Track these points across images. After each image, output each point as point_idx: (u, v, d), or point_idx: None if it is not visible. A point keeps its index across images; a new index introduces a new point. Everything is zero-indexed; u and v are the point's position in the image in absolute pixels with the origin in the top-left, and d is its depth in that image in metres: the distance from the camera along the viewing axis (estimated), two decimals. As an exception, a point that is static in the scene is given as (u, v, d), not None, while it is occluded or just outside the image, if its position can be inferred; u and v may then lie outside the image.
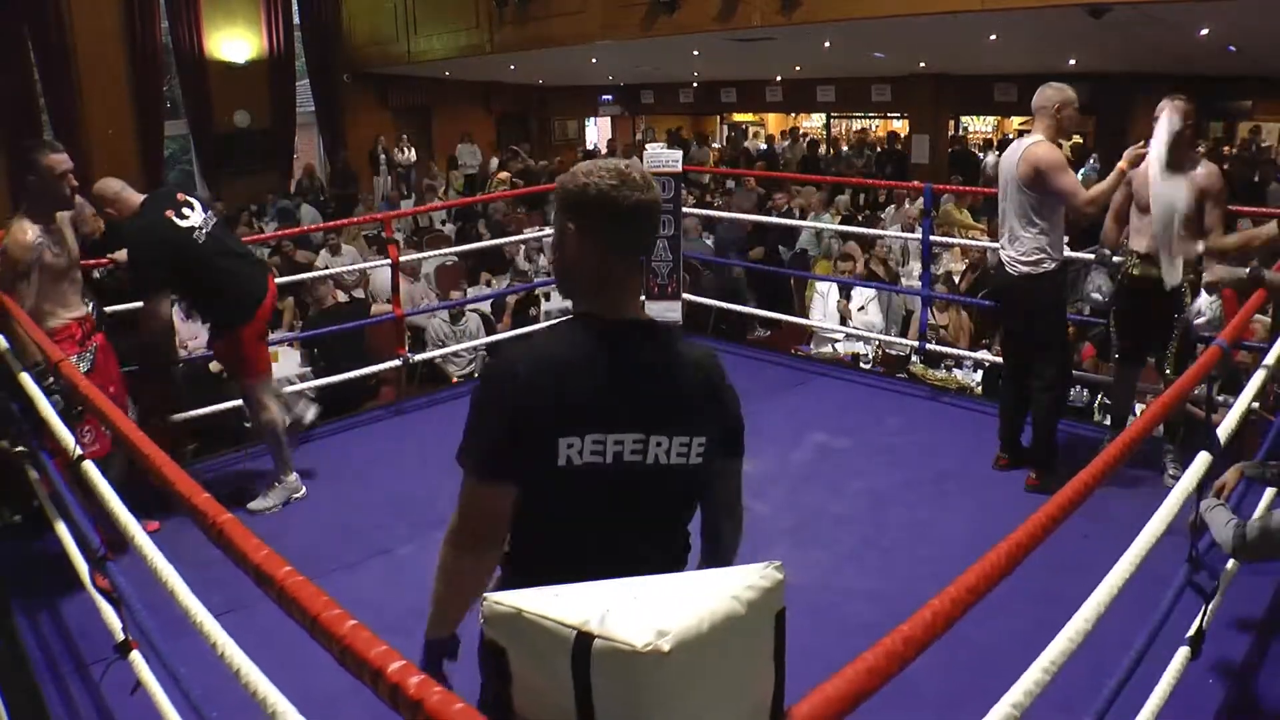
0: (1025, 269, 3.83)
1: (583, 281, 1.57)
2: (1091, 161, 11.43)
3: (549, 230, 9.55)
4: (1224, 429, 2.36)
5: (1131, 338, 4.03)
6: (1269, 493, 3.02)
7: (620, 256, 1.53)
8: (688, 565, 1.69)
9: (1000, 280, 4.06)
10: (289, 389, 5.43)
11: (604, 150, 16.99)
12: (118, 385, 3.62)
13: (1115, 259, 4.00)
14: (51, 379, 2.95)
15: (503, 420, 1.48)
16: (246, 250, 4.03)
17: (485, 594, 0.99)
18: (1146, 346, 4.02)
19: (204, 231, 3.70)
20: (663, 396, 1.53)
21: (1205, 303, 3.68)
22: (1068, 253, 4.21)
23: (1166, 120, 3.68)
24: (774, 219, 8.48)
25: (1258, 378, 2.75)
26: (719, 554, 1.74)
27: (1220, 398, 3.94)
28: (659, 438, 1.51)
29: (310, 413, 4.25)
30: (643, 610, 0.86)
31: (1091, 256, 4.19)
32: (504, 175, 14.14)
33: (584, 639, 0.86)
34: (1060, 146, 3.81)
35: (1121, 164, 3.80)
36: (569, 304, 1.68)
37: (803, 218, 9.24)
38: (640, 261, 1.57)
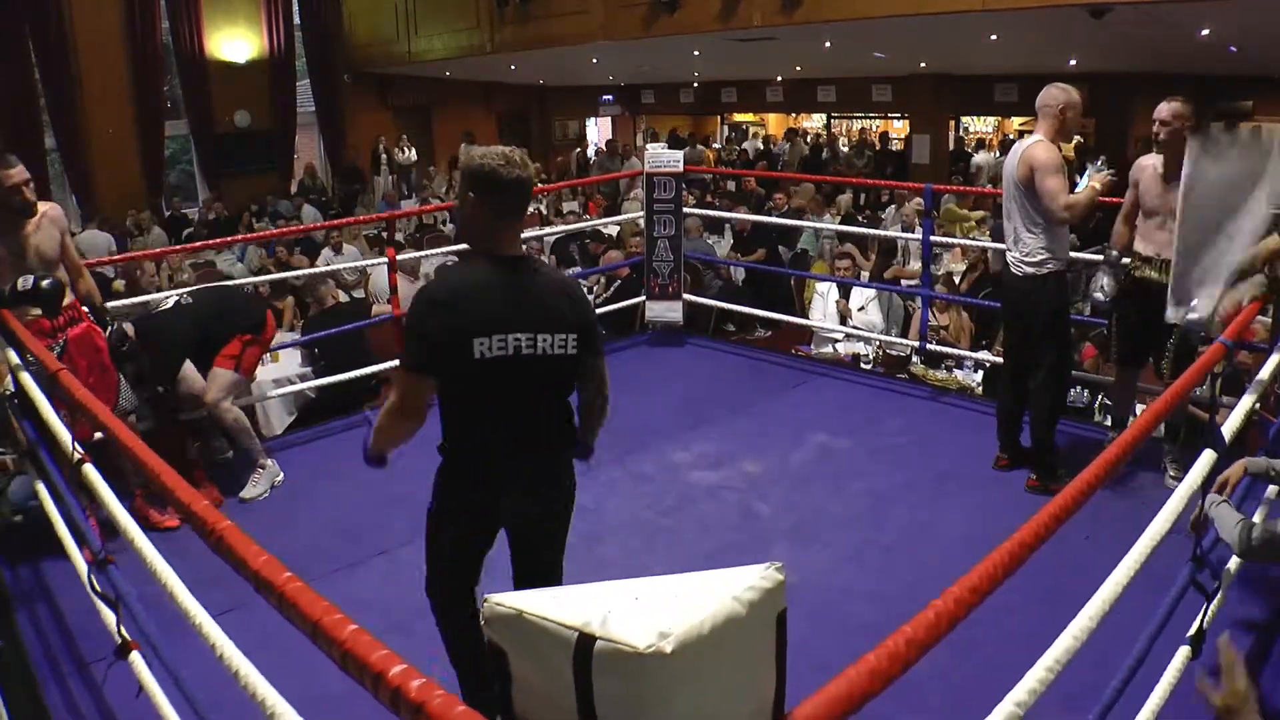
0: (1029, 270, 3.83)
1: (479, 233, 2.20)
2: (1099, 163, 11.40)
3: (549, 230, 9.57)
4: (1228, 428, 2.35)
5: (1131, 339, 4.01)
6: (1271, 490, 3.02)
7: (505, 214, 2.17)
8: (570, 449, 2.36)
9: (1005, 280, 4.06)
10: (285, 390, 5.45)
11: (605, 149, 17.00)
12: (97, 375, 3.69)
13: (1123, 260, 3.99)
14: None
15: (428, 332, 2.13)
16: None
17: (486, 595, 0.99)
18: (1146, 348, 4.01)
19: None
20: (542, 306, 2.16)
21: (1196, 300, 3.67)
22: (1072, 254, 4.21)
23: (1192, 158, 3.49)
24: (774, 219, 8.47)
25: (1262, 377, 2.74)
26: (590, 421, 2.38)
27: (1221, 399, 3.94)
28: (544, 335, 2.15)
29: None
30: (644, 611, 0.86)
31: (1096, 257, 4.19)
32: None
33: (586, 640, 0.86)
34: (1060, 148, 3.80)
35: (1095, 185, 3.76)
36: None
37: (801, 218, 9.24)
38: (518, 219, 2.21)
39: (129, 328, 3.87)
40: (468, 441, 2.27)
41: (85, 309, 3.75)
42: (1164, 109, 3.69)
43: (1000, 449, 4.21)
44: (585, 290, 2.37)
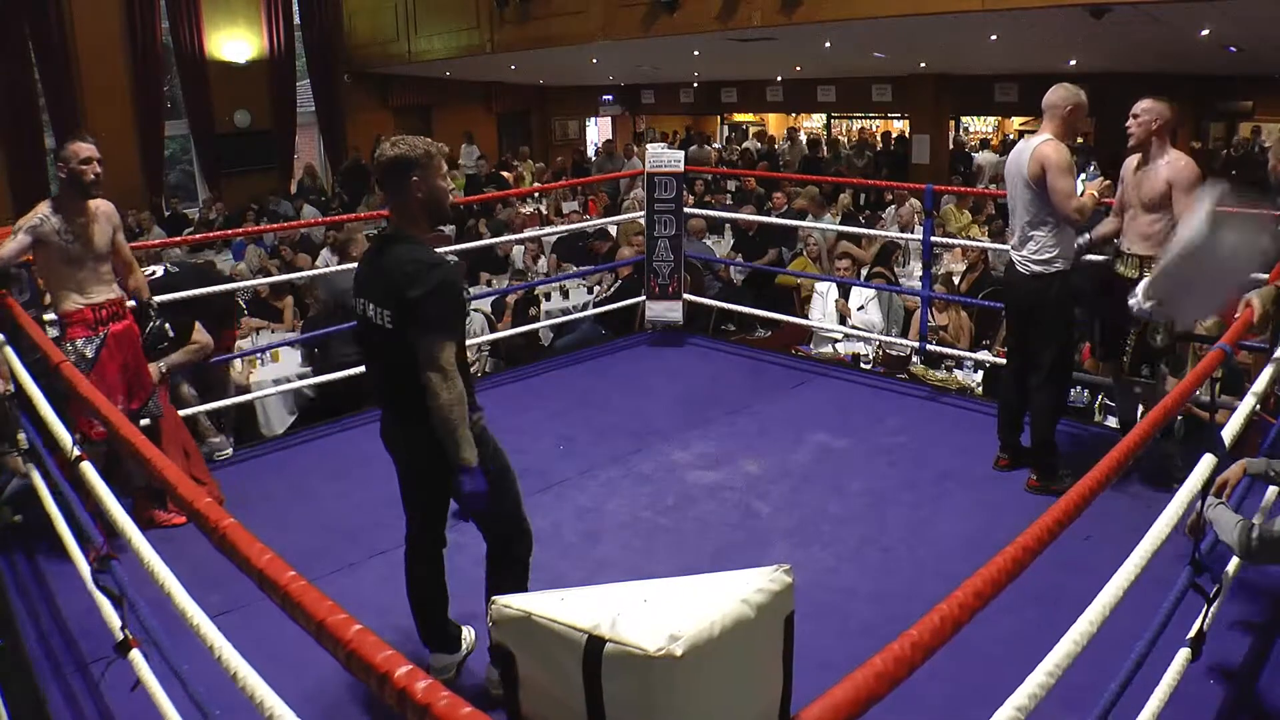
0: (1037, 269, 3.84)
1: None
2: (1091, 168, 11.39)
3: (549, 230, 9.58)
4: (1229, 432, 2.35)
5: (1109, 334, 3.99)
6: (1271, 491, 3.02)
7: (384, 194, 2.54)
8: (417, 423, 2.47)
9: (1009, 280, 4.06)
10: (285, 388, 5.44)
11: (603, 149, 17.01)
12: (132, 374, 3.75)
13: (1088, 253, 4.06)
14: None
15: None
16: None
17: (494, 598, 0.99)
18: (1119, 345, 3.97)
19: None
20: (375, 281, 2.47)
21: (1139, 286, 3.68)
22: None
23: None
24: (774, 219, 8.47)
25: (1258, 388, 2.73)
26: (427, 402, 2.41)
27: (1221, 398, 3.94)
28: (374, 305, 2.47)
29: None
30: (654, 614, 0.85)
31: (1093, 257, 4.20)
32: (507, 175, 14.17)
33: (595, 643, 0.86)
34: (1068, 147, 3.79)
35: (1093, 192, 3.89)
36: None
37: (802, 219, 9.23)
38: (390, 198, 2.51)
39: (169, 328, 3.94)
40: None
41: (132, 303, 3.83)
42: (1139, 105, 3.74)
43: (1001, 448, 4.21)
44: (423, 269, 2.41)
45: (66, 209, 3.51)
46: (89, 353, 3.55)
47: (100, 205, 3.64)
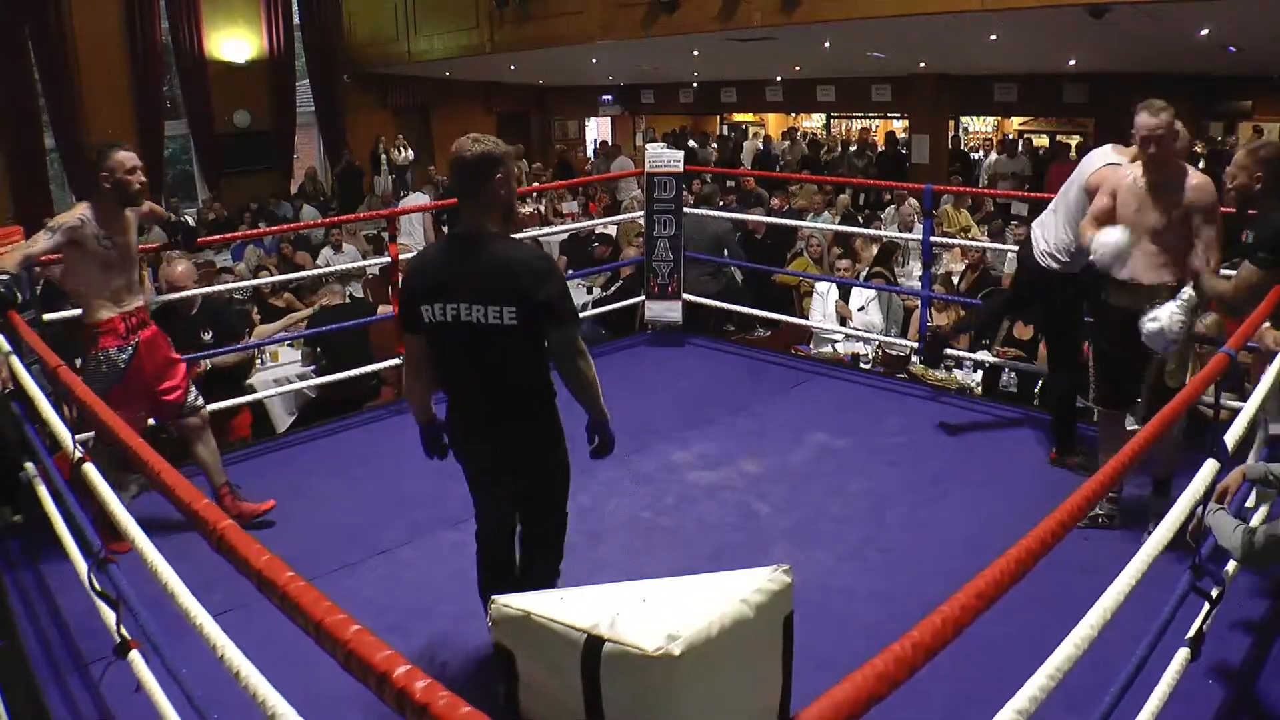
0: (1053, 264, 3.90)
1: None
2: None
3: (547, 230, 9.57)
4: (1231, 437, 2.34)
5: (1115, 377, 3.53)
6: (1269, 495, 3.01)
7: (456, 193, 2.53)
8: (536, 411, 2.56)
9: (1024, 254, 4.10)
10: (285, 389, 5.44)
11: (602, 150, 17.01)
12: (167, 375, 3.73)
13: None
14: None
15: (401, 297, 2.57)
16: None
17: (494, 596, 0.98)
18: (1132, 386, 3.48)
19: None
20: (477, 280, 2.41)
21: (1165, 311, 3.18)
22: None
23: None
24: (774, 219, 8.45)
25: (1264, 385, 2.73)
26: (573, 387, 2.55)
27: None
28: (478, 306, 2.40)
29: None
30: (652, 614, 0.84)
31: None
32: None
33: (594, 642, 0.86)
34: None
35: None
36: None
37: (801, 218, 9.22)
38: (461, 197, 2.51)
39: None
40: (446, 393, 2.63)
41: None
42: (1152, 124, 3.20)
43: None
44: (547, 266, 2.50)
45: (106, 215, 3.46)
46: (121, 362, 3.52)
47: (130, 210, 3.60)
